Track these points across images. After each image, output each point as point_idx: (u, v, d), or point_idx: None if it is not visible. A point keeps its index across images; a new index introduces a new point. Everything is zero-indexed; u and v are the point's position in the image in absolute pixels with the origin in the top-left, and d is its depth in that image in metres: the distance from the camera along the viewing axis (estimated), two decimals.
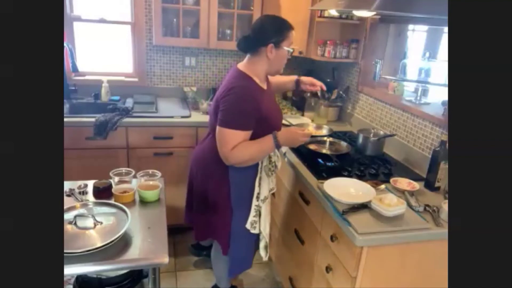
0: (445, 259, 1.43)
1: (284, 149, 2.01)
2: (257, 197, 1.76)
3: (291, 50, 1.67)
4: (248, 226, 1.79)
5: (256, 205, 1.77)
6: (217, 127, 1.60)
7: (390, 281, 1.42)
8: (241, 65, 1.69)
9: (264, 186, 1.76)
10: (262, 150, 1.63)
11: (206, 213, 1.81)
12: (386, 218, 1.39)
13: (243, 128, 1.57)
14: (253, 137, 1.63)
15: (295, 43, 2.47)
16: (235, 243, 1.82)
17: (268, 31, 1.61)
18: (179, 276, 2.35)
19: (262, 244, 1.88)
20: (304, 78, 2.09)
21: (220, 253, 1.88)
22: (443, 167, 1.65)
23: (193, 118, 2.51)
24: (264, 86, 1.72)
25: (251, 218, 1.77)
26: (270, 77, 1.86)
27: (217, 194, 1.75)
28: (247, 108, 1.58)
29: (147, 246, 1.26)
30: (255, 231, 1.81)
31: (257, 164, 1.72)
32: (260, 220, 1.81)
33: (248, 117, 1.59)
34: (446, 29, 2.02)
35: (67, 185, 1.61)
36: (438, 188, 1.69)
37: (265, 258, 1.91)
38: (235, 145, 1.56)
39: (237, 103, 1.56)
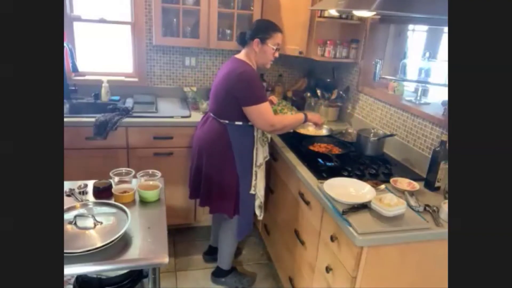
0: (445, 259, 1.43)
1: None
2: (255, 164, 2.03)
3: (274, 47, 1.96)
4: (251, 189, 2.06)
5: (254, 171, 2.04)
6: (248, 107, 1.85)
7: (390, 281, 1.42)
8: (239, 56, 2.00)
9: (259, 155, 2.04)
10: (297, 120, 2.02)
11: (214, 183, 2.02)
12: (386, 218, 1.39)
13: (266, 99, 1.89)
14: None
15: (295, 43, 2.52)
16: (243, 208, 2.05)
17: (257, 29, 1.96)
18: (179, 276, 2.35)
19: (257, 203, 2.13)
20: (311, 116, 2.15)
21: (230, 230, 2.13)
22: (443, 167, 1.65)
23: (193, 118, 2.51)
24: None
25: (252, 182, 2.04)
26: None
27: (224, 164, 1.97)
28: (260, 84, 1.92)
29: (147, 246, 1.26)
30: (254, 192, 2.07)
31: (253, 137, 1.99)
32: (257, 183, 2.06)
33: (264, 90, 1.95)
34: (446, 29, 2.02)
35: (67, 185, 1.61)
36: (438, 188, 1.69)
37: (260, 217, 2.18)
38: (271, 113, 1.89)
39: (252, 81, 1.85)
